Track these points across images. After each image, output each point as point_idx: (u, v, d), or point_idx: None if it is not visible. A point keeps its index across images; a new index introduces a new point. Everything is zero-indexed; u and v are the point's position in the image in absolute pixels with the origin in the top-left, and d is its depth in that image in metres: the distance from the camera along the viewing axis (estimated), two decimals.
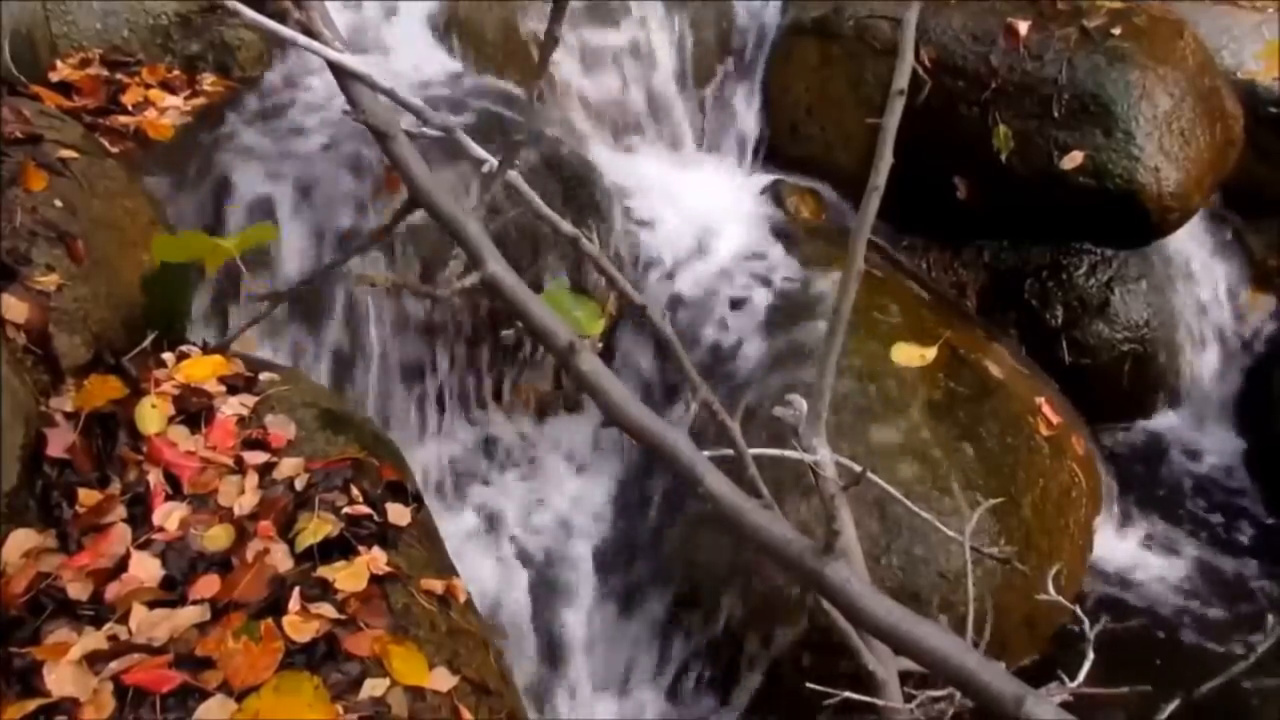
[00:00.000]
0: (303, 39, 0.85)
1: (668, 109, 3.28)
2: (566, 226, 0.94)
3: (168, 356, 2.05)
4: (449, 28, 3.11)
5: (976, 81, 2.93)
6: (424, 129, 0.90)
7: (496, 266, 0.86)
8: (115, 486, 1.80)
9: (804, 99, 3.29)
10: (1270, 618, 2.70)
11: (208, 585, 1.68)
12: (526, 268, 2.55)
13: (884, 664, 1.39)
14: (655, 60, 3.24)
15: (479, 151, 0.92)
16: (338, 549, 1.76)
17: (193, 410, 1.95)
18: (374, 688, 1.58)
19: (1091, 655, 1.36)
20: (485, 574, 2.39)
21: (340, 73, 0.88)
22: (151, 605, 1.63)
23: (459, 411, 2.63)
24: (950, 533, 1.60)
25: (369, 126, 0.87)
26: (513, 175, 0.92)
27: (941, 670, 0.94)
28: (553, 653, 2.36)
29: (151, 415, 1.90)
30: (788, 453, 1.37)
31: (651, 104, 3.25)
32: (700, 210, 3.02)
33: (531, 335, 0.88)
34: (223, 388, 2.02)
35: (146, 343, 2.05)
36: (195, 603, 1.65)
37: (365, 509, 1.85)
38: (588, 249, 0.95)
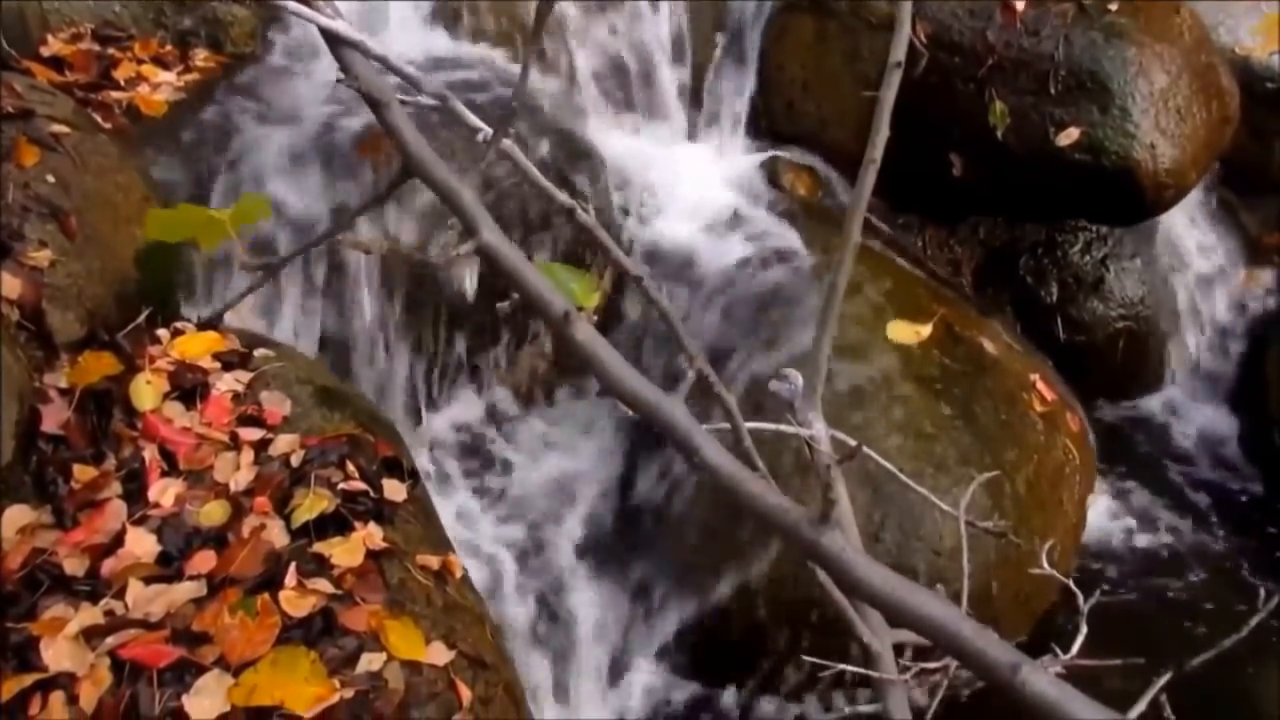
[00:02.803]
0: (294, 5, 0.84)
1: (663, 86, 3.27)
2: (562, 196, 0.94)
3: (162, 333, 2.05)
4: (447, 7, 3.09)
5: (973, 57, 2.91)
6: (418, 98, 0.89)
7: (491, 235, 0.86)
8: (110, 462, 1.80)
9: (799, 75, 3.28)
10: (1262, 592, 2.70)
11: (204, 561, 1.68)
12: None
13: (879, 636, 1.40)
14: (651, 37, 3.23)
15: (473, 120, 0.92)
16: (334, 525, 1.77)
17: (188, 386, 1.95)
18: (370, 662, 1.59)
19: (1085, 629, 1.36)
20: (478, 550, 2.40)
21: (333, 40, 0.87)
22: (148, 581, 1.63)
23: (456, 386, 2.63)
24: (945, 507, 1.61)
25: (362, 94, 0.87)
26: (508, 144, 0.92)
27: (938, 639, 0.95)
28: (547, 629, 2.37)
29: (146, 391, 1.90)
30: (784, 427, 1.37)
31: (646, 81, 3.24)
32: (695, 187, 3.01)
33: (527, 305, 0.88)
34: (218, 364, 2.02)
35: (141, 319, 2.04)
36: (191, 578, 1.65)
37: (361, 485, 1.85)
38: (584, 219, 0.94)
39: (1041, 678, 0.86)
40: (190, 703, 1.48)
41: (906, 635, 1.00)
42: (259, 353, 2.08)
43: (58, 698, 1.48)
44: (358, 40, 0.86)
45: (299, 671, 1.54)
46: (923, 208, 3.21)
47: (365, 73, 0.87)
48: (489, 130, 0.91)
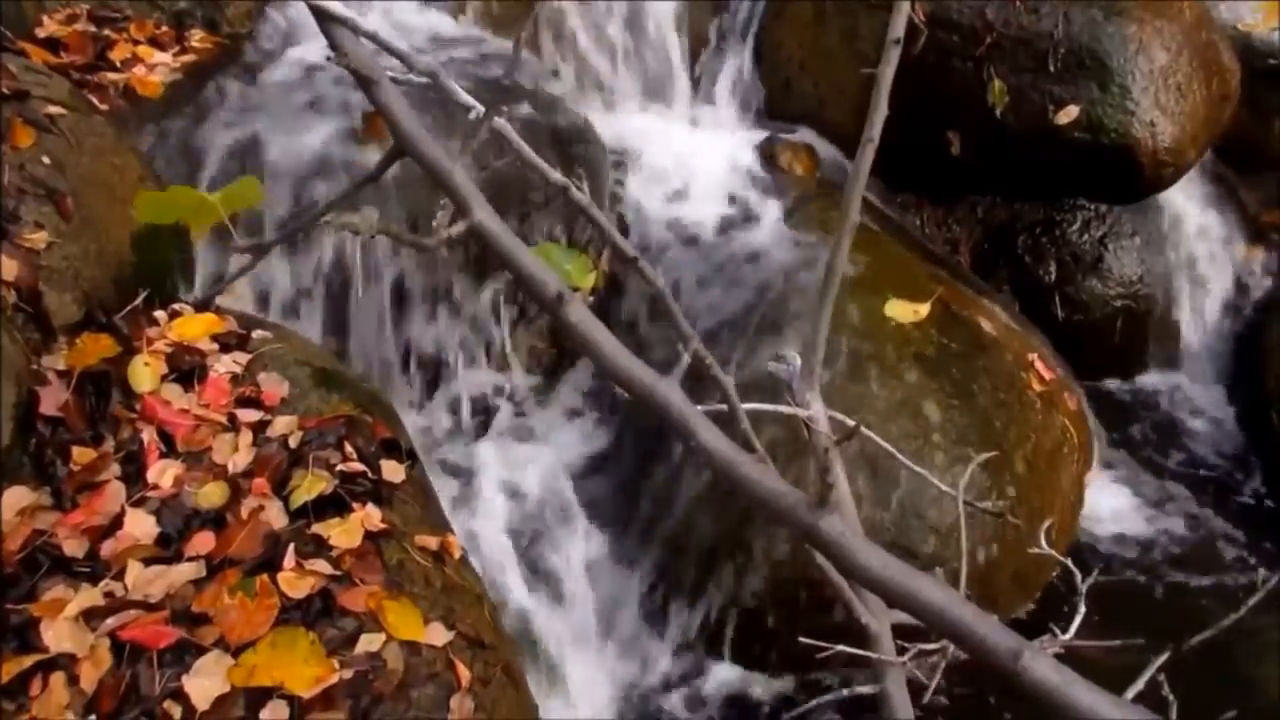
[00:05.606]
0: None
1: (661, 66, 3.26)
2: (556, 175, 0.93)
3: (159, 314, 2.05)
4: None
5: (972, 36, 2.90)
6: (409, 75, 0.88)
7: (483, 215, 0.85)
8: (109, 444, 1.80)
9: (797, 55, 3.26)
10: (1260, 572, 2.72)
11: (203, 542, 1.68)
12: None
13: (877, 618, 1.40)
14: (649, 17, 3.21)
15: (465, 98, 0.91)
16: (332, 506, 1.77)
17: (185, 368, 1.94)
18: (369, 643, 1.59)
19: (1083, 608, 1.36)
20: (479, 531, 2.40)
21: (322, 16, 0.87)
22: (147, 562, 1.64)
23: (455, 367, 2.63)
24: (944, 487, 1.61)
25: (352, 71, 0.86)
26: (500, 122, 0.91)
27: (937, 623, 0.94)
28: (547, 605, 2.37)
29: (144, 373, 1.90)
30: (782, 408, 1.37)
31: (645, 61, 3.23)
32: (693, 167, 3.00)
33: (520, 285, 0.87)
34: (215, 346, 2.02)
35: (138, 301, 2.04)
36: (191, 559, 1.65)
37: (359, 466, 1.85)
38: (577, 198, 0.94)
39: (1043, 663, 0.86)
40: (190, 683, 1.48)
41: (906, 615, 1.00)
42: (257, 334, 2.08)
43: (58, 678, 1.48)
44: (348, 17, 0.85)
45: (298, 652, 1.54)
46: (921, 187, 3.21)
47: (355, 50, 0.86)
48: (481, 108, 0.90)
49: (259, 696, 1.49)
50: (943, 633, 0.95)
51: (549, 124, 2.67)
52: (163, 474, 1.76)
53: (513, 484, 2.53)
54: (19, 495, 1.67)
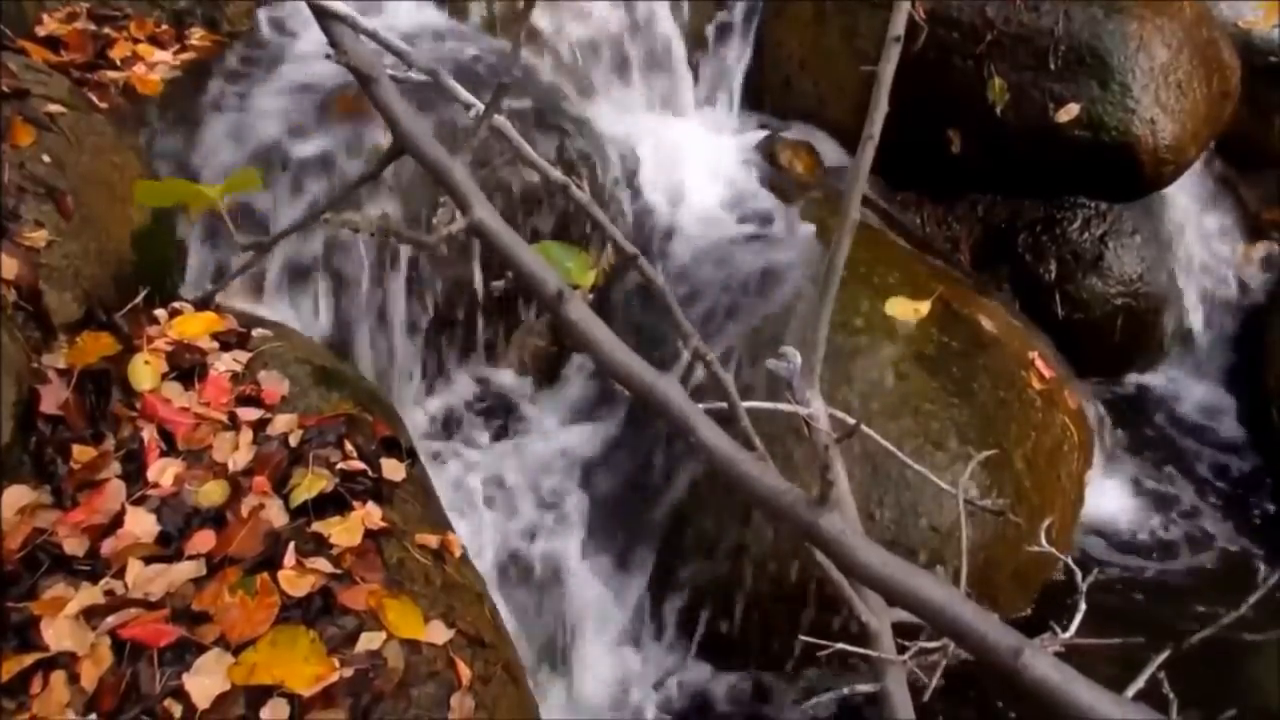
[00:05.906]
0: None
1: (661, 63, 3.25)
2: (556, 173, 0.93)
3: (160, 313, 2.05)
4: None
5: (972, 33, 2.90)
6: (409, 73, 0.88)
7: (483, 212, 0.85)
8: (109, 443, 1.80)
9: (797, 53, 3.26)
10: (1261, 570, 2.71)
11: (203, 540, 1.68)
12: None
13: (877, 616, 1.40)
14: (649, 14, 3.21)
15: (464, 95, 0.91)
16: (332, 504, 1.77)
17: (186, 367, 1.95)
18: (370, 641, 1.59)
19: (1084, 606, 1.36)
20: (478, 527, 2.40)
21: (321, 13, 0.86)
22: (147, 560, 1.64)
23: (456, 364, 2.63)
24: (944, 485, 1.60)
25: (351, 69, 0.86)
26: (500, 120, 0.91)
27: (937, 621, 0.94)
28: (546, 609, 2.37)
29: (144, 372, 1.90)
30: (782, 406, 1.37)
31: (645, 58, 3.22)
32: (693, 164, 3.00)
33: (520, 283, 0.87)
34: (215, 344, 2.03)
35: (138, 299, 2.04)
36: (191, 558, 1.66)
37: (359, 464, 1.85)
38: (578, 196, 0.94)
39: (1044, 661, 0.85)
40: (190, 682, 1.49)
41: (906, 614, 0.99)
42: (257, 333, 2.09)
43: (59, 677, 1.49)
44: (346, 14, 0.85)
45: (298, 650, 1.54)
46: (921, 185, 3.20)
47: (353, 47, 0.86)
48: (481, 105, 0.90)
49: (259, 695, 1.50)
50: (943, 631, 0.95)
51: (548, 122, 2.66)
52: (163, 472, 1.77)
53: (513, 482, 2.53)
54: (19, 493, 1.68)
